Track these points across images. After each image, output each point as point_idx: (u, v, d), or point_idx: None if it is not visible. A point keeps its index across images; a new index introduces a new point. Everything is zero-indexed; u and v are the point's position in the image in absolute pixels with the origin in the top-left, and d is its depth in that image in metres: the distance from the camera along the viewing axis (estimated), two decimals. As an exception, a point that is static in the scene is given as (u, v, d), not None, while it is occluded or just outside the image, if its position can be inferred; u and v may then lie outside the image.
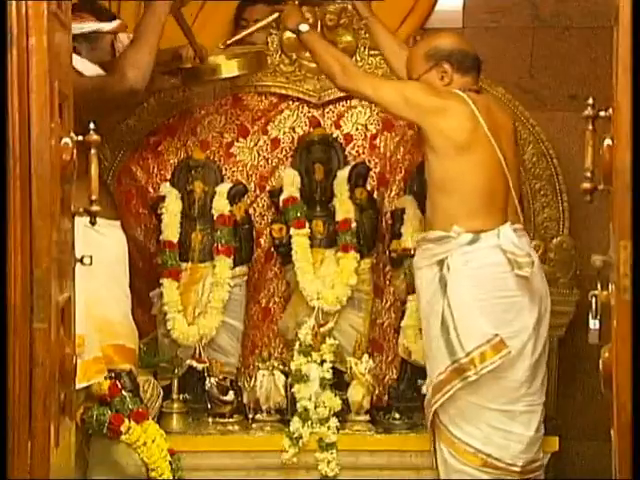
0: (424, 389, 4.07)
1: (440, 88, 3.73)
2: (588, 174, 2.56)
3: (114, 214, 3.90)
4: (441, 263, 3.68)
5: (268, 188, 4.32)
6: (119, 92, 3.64)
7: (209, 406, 4.07)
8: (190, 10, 4.32)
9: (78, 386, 3.44)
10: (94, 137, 2.61)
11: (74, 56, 3.60)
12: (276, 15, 4.03)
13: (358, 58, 4.27)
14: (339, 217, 4.18)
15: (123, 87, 3.62)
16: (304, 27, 3.85)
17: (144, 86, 3.68)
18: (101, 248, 3.66)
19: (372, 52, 4.24)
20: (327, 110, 4.34)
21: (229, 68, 4.03)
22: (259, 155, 4.35)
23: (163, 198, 4.19)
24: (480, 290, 3.63)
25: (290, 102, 4.34)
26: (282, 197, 4.21)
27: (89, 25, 3.65)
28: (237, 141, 4.34)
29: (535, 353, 3.68)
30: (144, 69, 3.64)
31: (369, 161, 4.32)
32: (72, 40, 3.62)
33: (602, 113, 2.50)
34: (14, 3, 2.30)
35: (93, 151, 2.64)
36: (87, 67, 3.66)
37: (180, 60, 4.05)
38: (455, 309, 3.62)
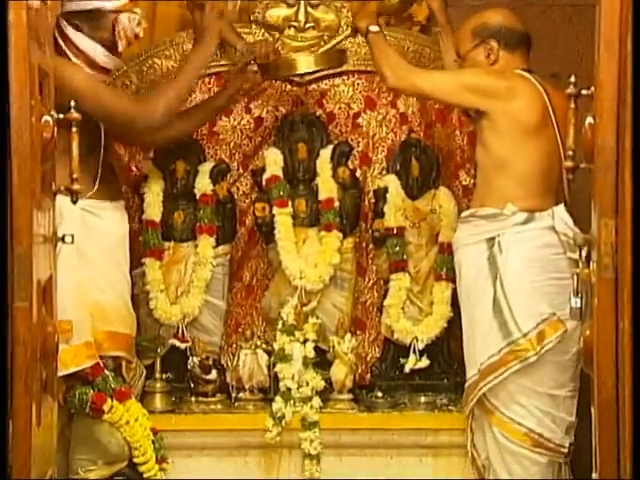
0: (407, 368, 4.10)
1: (500, 69, 3.70)
2: (570, 152, 2.56)
3: (118, 195, 3.91)
4: (491, 241, 3.67)
5: (251, 167, 4.32)
6: (142, 124, 3.67)
7: (192, 385, 4.07)
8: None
9: (66, 371, 3.45)
10: (74, 115, 2.60)
11: (78, 34, 3.60)
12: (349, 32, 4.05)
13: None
14: (322, 196, 4.17)
15: (147, 123, 3.67)
16: (374, 28, 3.84)
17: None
18: (99, 231, 3.67)
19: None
20: (310, 89, 4.32)
21: (307, 63, 4.04)
22: (242, 134, 4.34)
23: (145, 177, 4.17)
24: (535, 271, 3.61)
25: (273, 81, 4.31)
26: (265, 176, 4.20)
27: (91, 2, 3.61)
28: (220, 120, 4.32)
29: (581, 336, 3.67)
30: (173, 112, 3.71)
31: (352, 140, 4.31)
32: (74, 17, 3.62)
33: (584, 91, 2.50)
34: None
35: (74, 129, 2.63)
36: (88, 45, 3.63)
37: (253, 56, 4.05)
38: (509, 290, 3.60)
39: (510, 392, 3.65)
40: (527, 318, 3.60)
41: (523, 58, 3.76)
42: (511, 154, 3.64)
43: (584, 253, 3.41)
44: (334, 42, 4.11)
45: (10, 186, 2.34)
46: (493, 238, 3.67)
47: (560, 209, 3.64)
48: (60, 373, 3.12)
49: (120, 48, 3.70)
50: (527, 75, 3.69)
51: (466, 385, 3.75)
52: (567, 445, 3.69)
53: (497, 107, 3.63)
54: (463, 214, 3.85)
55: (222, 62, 4.27)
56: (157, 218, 4.15)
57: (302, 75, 4.17)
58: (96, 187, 3.69)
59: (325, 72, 4.24)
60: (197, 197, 4.18)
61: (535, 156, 3.65)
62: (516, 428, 3.65)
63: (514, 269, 3.63)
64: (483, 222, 3.71)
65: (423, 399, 4.08)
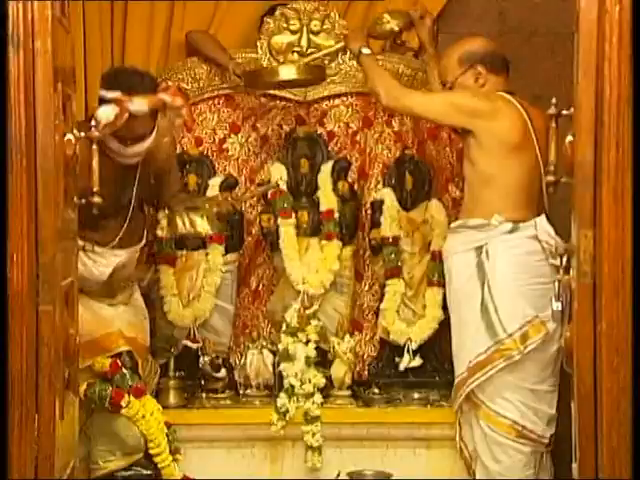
0: (401, 367, 4.11)
1: (486, 92, 3.70)
2: (552, 168, 2.57)
3: (137, 240, 3.86)
4: (479, 249, 3.67)
5: (257, 181, 4.32)
6: None
7: (202, 382, 4.08)
8: (206, 10, 4.31)
9: None
10: (95, 134, 2.60)
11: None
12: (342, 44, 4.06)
13: (340, 61, 4.27)
14: (323, 208, 4.18)
15: None
16: (366, 50, 3.85)
17: None
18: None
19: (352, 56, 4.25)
20: (312, 109, 4.33)
21: (287, 71, 4.04)
22: (249, 150, 4.35)
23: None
24: (520, 276, 3.61)
25: (278, 101, 4.33)
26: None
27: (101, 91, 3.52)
28: (229, 137, 4.33)
29: (562, 337, 3.66)
30: None
31: (350, 156, 4.31)
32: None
33: (564, 112, 2.50)
34: (21, 8, 2.29)
35: (94, 147, 2.63)
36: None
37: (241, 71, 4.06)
38: (496, 293, 3.61)
39: (496, 387, 3.65)
40: (512, 320, 3.60)
41: (505, 80, 3.78)
42: (496, 169, 3.65)
43: (565, 261, 3.44)
44: (324, 52, 4.13)
45: (35, 199, 2.35)
46: (481, 246, 3.68)
47: (542, 220, 3.65)
48: None
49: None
50: (509, 97, 3.70)
51: (455, 382, 3.75)
52: (548, 436, 3.69)
53: (483, 126, 3.64)
54: (453, 225, 3.85)
55: (231, 84, 4.28)
56: (171, 228, 4.16)
57: (285, 86, 4.14)
58: (117, 239, 3.71)
59: (326, 93, 4.27)
60: (208, 209, 4.19)
61: (518, 171, 3.66)
62: (502, 421, 3.65)
63: (501, 274, 3.63)
64: (472, 232, 3.71)
65: (416, 395, 4.08)
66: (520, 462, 3.67)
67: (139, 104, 3.47)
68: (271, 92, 4.29)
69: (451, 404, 3.88)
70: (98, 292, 3.72)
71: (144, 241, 3.88)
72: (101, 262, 3.68)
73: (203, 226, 3.76)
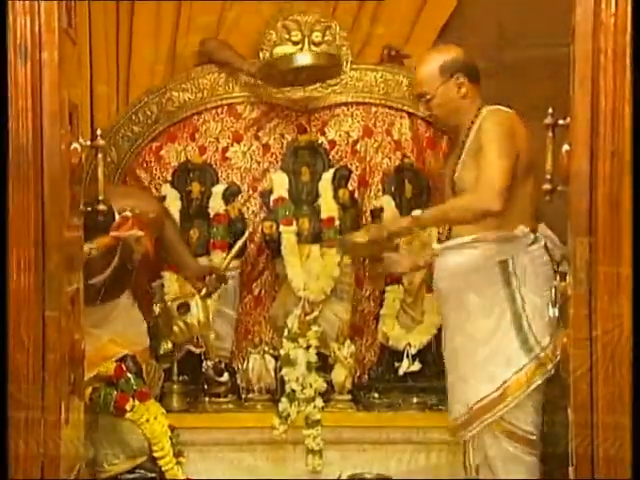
0: (400, 371, 4.10)
1: (474, 103, 3.52)
2: (548, 176, 2.56)
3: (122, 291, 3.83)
4: (504, 263, 3.47)
5: (259, 189, 4.33)
6: None
7: (205, 387, 4.08)
8: (211, 22, 4.32)
9: None
10: (101, 142, 2.60)
11: None
12: None
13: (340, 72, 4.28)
14: (324, 215, 4.18)
15: None
16: (416, 212, 3.50)
17: None
18: None
19: (353, 66, 4.26)
20: (313, 118, 4.34)
21: (303, 58, 4.06)
22: (251, 159, 4.36)
23: (164, 198, 4.18)
24: (543, 287, 3.43)
25: (279, 111, 4.34)
26: (272, 197, 4.21)
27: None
28: (232, 146, 4.34)
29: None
30: None
31: (351, 164, 4.32)
32: None
33: (561, 121, 2.50)
34: (28, 20, 2.29)
35: (100, 155, 2.63)
36: None
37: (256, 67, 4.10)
38: (529, 308, 3.45)
39: (519, 401, 3.47)
40: (543, 332, 3.45)
41: (480, 89, 3.58)
42: (519, 183, 3.46)
43: (562, 268, 3.42)
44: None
45: (42, 207, 2.35)
46: (506, 260, 3.48)
47: (544, 228, 3.54)
48: None
49: None
50: (512, 111, 3.59)
51: (477, 405, 3.47)
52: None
53: (521, 148, 3.46)
54: (465, 239, 3.54)
55: (234, 94, 4.29)
56: (174, 235, 4.15)
57: (302, 81, 4.14)
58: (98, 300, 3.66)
59: (327, 103, 4.28)
60: (211, 216, 4.19)
61: (530, 183, 3.55)
62: (526, 437, 3.48)
63: (530, 287, 3.47)
64: (493, 245, 3.48)
65: (415, 399, 4.09)
66: (534, 468, 3.51)
67: (87, 249, 3.35)
68: (273, 101, 4.30)
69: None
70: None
71: (128, 290, 3.84)
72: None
73: (199, 317, 3.79)
